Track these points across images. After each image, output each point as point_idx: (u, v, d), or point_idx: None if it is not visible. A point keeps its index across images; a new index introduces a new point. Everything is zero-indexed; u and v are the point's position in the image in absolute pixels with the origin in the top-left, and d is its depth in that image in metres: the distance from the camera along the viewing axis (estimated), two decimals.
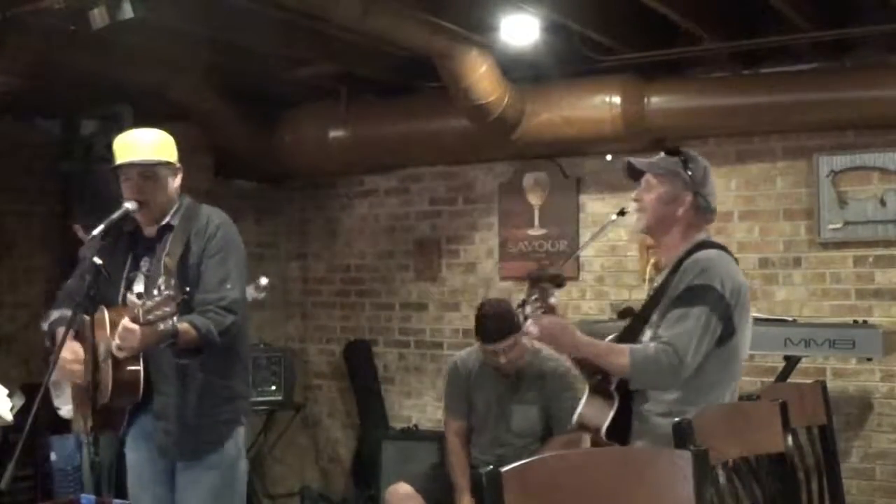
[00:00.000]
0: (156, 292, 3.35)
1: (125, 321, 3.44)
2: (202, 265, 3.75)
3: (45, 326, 3.89)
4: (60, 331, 3.67)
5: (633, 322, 3.65)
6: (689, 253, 3.50)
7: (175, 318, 3.41)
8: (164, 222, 3.83)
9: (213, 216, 3.88)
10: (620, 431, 3.46)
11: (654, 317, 3.50)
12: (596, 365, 3.52)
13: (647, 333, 3.50)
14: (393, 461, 6.61)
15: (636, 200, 3.64)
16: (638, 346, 3.42)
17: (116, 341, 3.47)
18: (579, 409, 3.60)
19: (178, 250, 3.74)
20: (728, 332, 3.44)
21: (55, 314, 3.86)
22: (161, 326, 3.38)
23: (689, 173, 3.53)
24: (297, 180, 7.79)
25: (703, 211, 3.57)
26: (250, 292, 5.29)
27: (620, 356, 3.39)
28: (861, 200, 5.79)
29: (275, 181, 7.79)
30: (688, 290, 3.38)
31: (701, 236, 3.59)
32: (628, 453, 2.72)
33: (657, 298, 3.53)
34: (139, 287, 3.70)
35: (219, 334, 3.64)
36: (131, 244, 3.89)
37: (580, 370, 3.73)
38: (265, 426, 7.26)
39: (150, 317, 3.35)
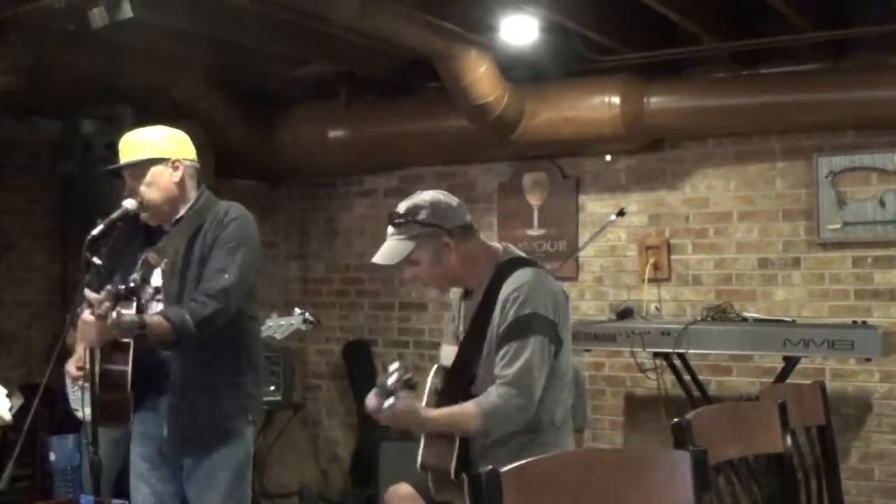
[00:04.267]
0: (108, 286, 3.36)
1: (84, 314, 3.46)
2: (211, 255, 3.70)
3: (67, 324, 3.86)
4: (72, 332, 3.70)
5: (459, 361, 3.49)
6: (498, 278, 3.41)
7: (120, 310, 3.39)
8: (178, 216, 3.79)
9: (232, 210, 3.81)
10: (469, 467, 3.31)
11: (485, 351, 3.39)
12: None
13: (480, 370, 3.39)
14: (392, 461, 6.60)
15: (414, 279, 3.59)
16: (482, 399, 3.30)
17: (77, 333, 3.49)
18: (420, 452, 3.48)
19: (179, 244, 3.71)
20: (557, 349, 3.39)
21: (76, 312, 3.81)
22: (117, 319, 3.38)
23: (425, 223, 3.41)
24: (297, 180, 7.80)
25: (467, 236, 3.49)
26: (295, 322, 5.23)
27: (472, 419, 3.29)
28: (860, 201, 5.79)
29: (275, 181, 7.80)
30: (515, 322, 3.31)
31: (499, 256, 3.50)
32: (626, 454, 2.72)
33: (479, 331, 3.41)
34: (156, 281, 3.66)
35: (196, 324, 3.54)
36: (146, 238, 3.86)
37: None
38: (264, 426, 7.24)
39: (100, 311, 3.36)
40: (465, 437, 3.36)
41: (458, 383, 3.43)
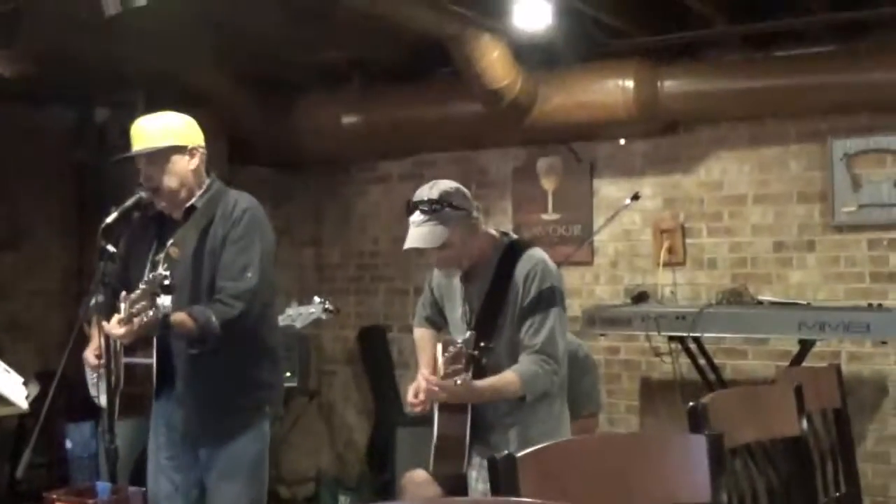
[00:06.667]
0: (142, 284, 3.37)
1: (114, 319, 3.46)
2: (224, 250, 3.70)
3: (81, 313, 3.85)
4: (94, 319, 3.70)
5: (480, 329, 3.65)
6: (508, 257, 3.68)
7: (155, 310, 3.40)
8: (189, 204, 3.80)
9: (241, 201, 3.79)
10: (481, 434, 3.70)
11: (506, 322, 3.65)
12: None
13: (506, 334, 3.65)
14: (408, 447, 6.60)
15: (442, 262, 3.74)
16: (518, 367, 3.59)
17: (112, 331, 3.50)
18: (436, 423, 3.69)
19: (192, 236, 3.71)
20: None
21: (91, 301, 3.80)
22: (144, 318, 3.38)
23: (458, 207, 3.62)
24: (312, 166, 7.79)
25: (479, 221, 3.73)
26: (315, 311, 5.23)
27: (513, 385, 3.58)
28: (875, 183, 5.77)
29: (289, 167, 7.79)
30: (538, 296, 3.63)
31: (497, 238, 3.76)
32: (642, 438, 2.72)
33: (495, 306, 3.67)
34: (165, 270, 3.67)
35: (221, 325, 3.56)
36: (158, 227, 3.86)
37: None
38: None
39: (133, 310, 3.37)
40: (476, 409, 3.65)
41: (479, 355, 3.61)
